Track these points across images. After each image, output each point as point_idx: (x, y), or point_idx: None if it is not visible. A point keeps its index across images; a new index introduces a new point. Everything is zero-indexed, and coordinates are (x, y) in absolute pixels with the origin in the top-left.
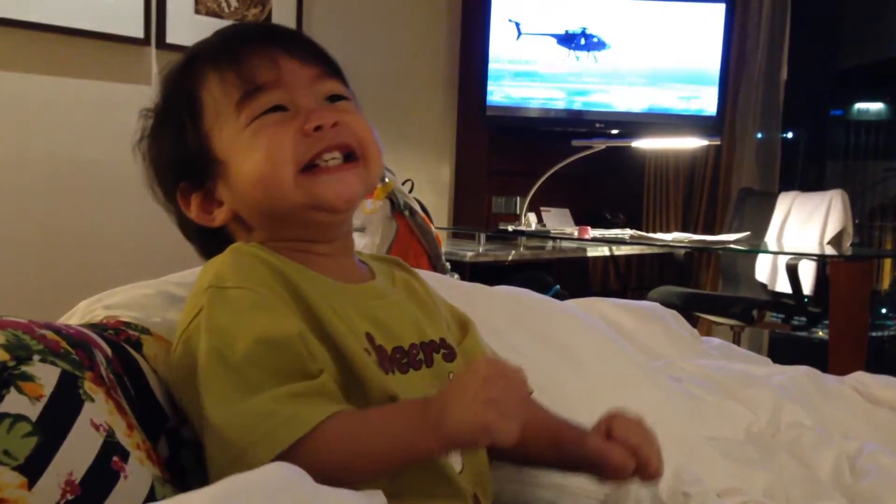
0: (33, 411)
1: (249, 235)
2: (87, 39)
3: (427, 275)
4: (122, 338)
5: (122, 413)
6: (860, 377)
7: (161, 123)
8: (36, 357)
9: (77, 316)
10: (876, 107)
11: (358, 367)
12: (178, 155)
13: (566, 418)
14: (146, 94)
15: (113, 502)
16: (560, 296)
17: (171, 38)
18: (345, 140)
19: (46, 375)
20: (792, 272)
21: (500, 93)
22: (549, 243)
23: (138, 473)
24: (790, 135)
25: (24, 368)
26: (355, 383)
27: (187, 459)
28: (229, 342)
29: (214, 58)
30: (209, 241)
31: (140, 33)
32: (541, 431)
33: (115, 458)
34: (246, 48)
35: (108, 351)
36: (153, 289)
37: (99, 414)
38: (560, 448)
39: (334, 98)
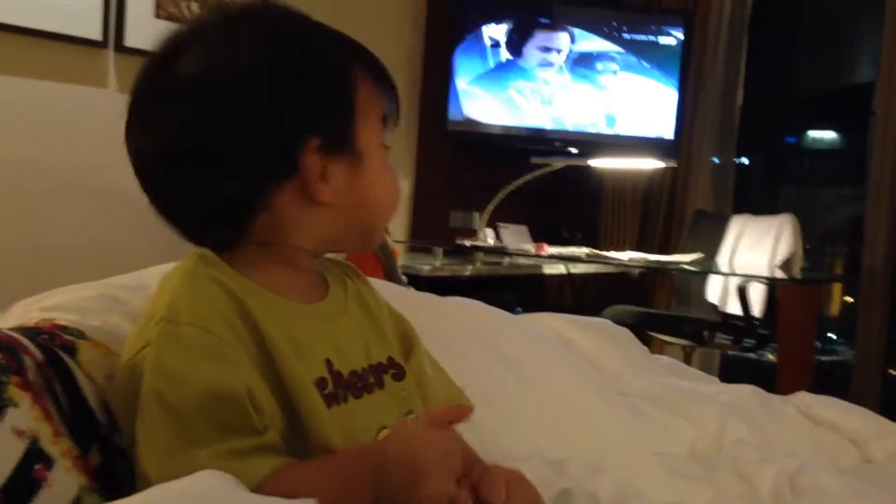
0: None
1: (289, 233)
2: (44, 40)
3: (378, 284)
4: (56, 343)
5: (48, 419)
6: (803, 397)
7: (302, 64)
8: None
9: (13, 317)
10: (829, 135)
11: (303, 409)
12: (322, 105)
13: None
14: (103, 96)
15: None
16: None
17: (129, 42)
18: None
19: None
20: (742, 294)
21: (461, 108)
22: (507, 259)
23: (63, 482)
24: (745, 160)
25: None
26: (299, 425)
27: (120, 468)
28: (175, 389)
29: (360, 57)
30: (215, 229)
31: (98, 35)
32: None
33: (37, 467)
34: (387, 77)
35: (39, 356)
36: (95, 290)
37: (23, 420)
38: None
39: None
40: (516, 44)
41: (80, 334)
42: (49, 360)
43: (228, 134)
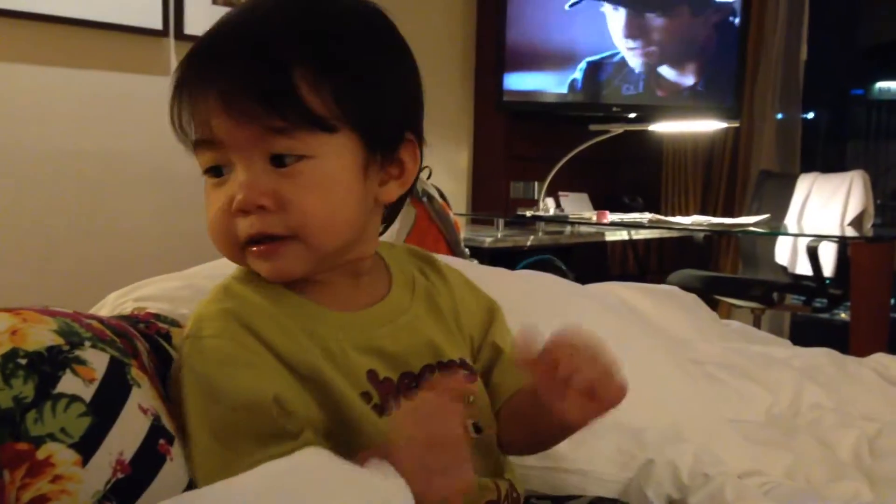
0: (87, 393)
1: None
2: (106, 31)
3: (448, 260)
4: (152, 330)
5: (162, 400)
6: (880, 358)
7: None
8: (87, 343)
9: (107, 308)
10: None
11: (353, 417)
12: None
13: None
14: (165, 85)
15: (160, 483)
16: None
17: (189, 30)
18: (265, 229)
19: (98, 360)
20: (812, 254)
21: (516, 78)
22: (568, 228)
23: (182, 457)
24: (810, 115)
25: (77, 353)
26: (347, 428)
27: None
28: (207, 404)
29: (179, 76)
30: None
31: (158, 25)
32: (518, 420)
33: (161, 441)
34: (190, 89)
35: (146, 343)
36: (181, 281)
37: (146, 399)
38: (534, 424)
39: (280, 158)
40: None
41: (174, 322)
42: (152, 346)
43: None
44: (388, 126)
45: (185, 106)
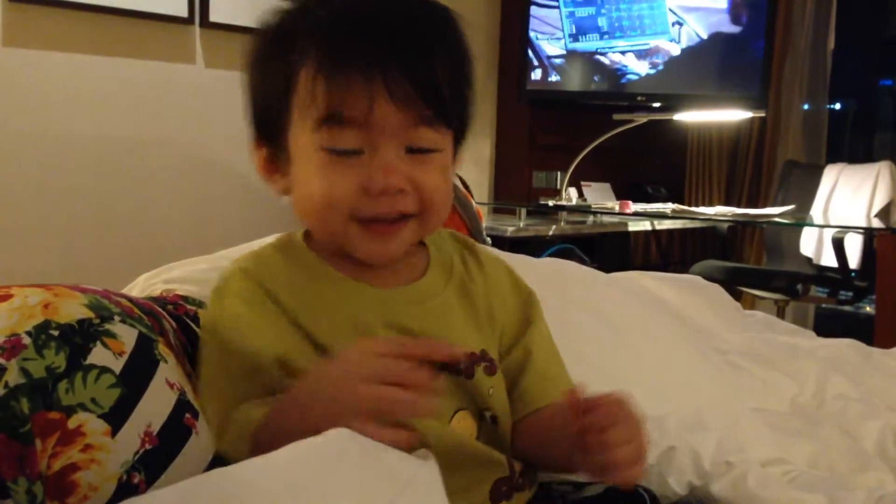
0: (117, 365)
1: None
2: (132, 19)
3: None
4: (180, 312)
5: (188, 377)
6: None
7: (262, 59)
8: (117, 318)
9: (137, 288)
10: None
11: None
12: (264, 103)
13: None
14: (191, 72)
15: (186, 456)
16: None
17: (214, 17)
18: (402, 209)
19: (127, 334)
20: (838, 245)
21: (540, 67)
22: (590, 218)
23: (207, 432)
24: (838, 106)
25: (107, 326)
26: None
27: None
28: (218, 355)
29: (318, 46)
30: None
31: (184, 12)
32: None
33: (187, 416)
34: (350, 61)
35: (172, 322)
36: (208, 264)
37: (172, 374)
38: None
39: (418, 149)
40: None
41: (201, 304)
42: (180, 326)
43: None
44: (467, 129)
45: (327, 81)
